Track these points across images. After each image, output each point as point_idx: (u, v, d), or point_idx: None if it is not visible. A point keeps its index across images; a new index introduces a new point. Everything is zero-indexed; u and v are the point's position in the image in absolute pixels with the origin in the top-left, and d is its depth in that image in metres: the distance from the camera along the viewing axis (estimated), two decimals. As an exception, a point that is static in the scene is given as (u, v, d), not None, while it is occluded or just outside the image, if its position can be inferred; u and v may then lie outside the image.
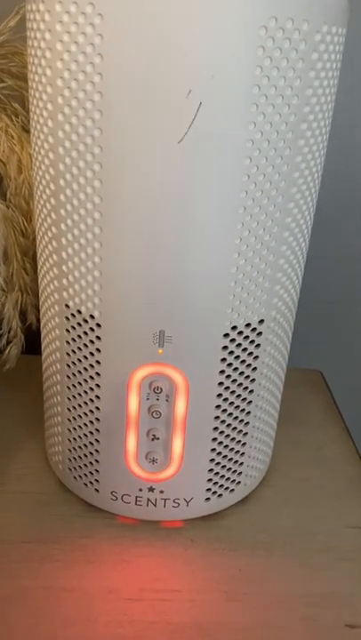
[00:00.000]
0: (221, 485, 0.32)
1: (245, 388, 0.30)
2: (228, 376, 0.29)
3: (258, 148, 0.24)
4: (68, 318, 0.29)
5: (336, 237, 0.51)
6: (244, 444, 0.32)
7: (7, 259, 0.36)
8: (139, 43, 0.22)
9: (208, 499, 0.32)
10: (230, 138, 0.23)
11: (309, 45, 0.23)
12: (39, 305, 0.32)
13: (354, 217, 0.50)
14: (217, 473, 0.32)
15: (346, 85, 0.44)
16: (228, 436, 0.31)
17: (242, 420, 0.31)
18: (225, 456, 0.31)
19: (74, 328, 0.29)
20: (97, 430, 0.30)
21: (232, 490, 0.33)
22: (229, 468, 0.32)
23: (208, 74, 0.22)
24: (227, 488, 0.33)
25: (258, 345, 0.29)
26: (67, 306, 0.29)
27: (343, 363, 0.55)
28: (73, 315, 0.28)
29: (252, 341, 0.29)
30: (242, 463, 0.33)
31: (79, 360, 0.29)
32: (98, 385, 0.29)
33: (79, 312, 0.28)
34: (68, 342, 0.29)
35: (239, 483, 0.33)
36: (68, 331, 0.29)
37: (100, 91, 0.23)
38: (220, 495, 0.33)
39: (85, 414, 0.30)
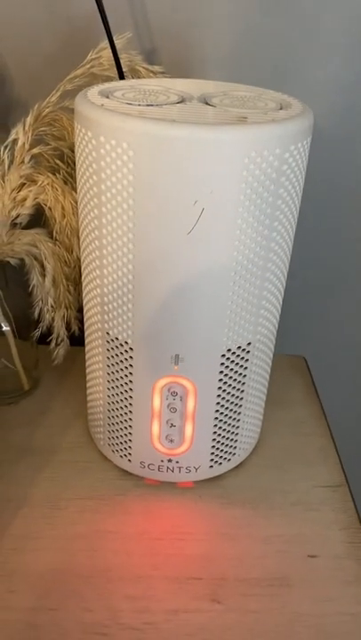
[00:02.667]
0: (221, 457, 0.44)
1: (238, 389, 0.41)
2: (225, 382, 0.40)
3: (244, 233, 0.34)
4: (108, 342, 0.40)
5: (320, 232, 0.60)
6: (237, 427, 0.43)
7: (55, 284, 0.47)
8: (161, 169, 0.31)
9: (211, 466, 0.44)
10: (224, 227, 0.33)
11: (281, 161, 0.32)
12: (84, 326, 0.43)
13: (339, 207, 0.59)
14: (217, 448, 0.43)
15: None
16: (225, 422, 0.42)
17: (236, 411, 0.42)
18: (223, 436, 0.43)
19: (113, 349, 0.39)
20: (130, 419, 0.41)
21: (229, 459, 0.45)
22: (226, 444, 0.43)
23: (208, 190, 0.32)
24: (225, 458, 0.44)
25: (247, 360, 0.40)
26: (107, 333, 0.39)
27: (325, 349, 0.66)
28: (112, 340, 0.39)
29: (243, 357, 0.39)
30: (236, 440, 0.44)
31: (116, 371, 0.40)
32: (131, 389, 0.40)
33: (117, 339, 0.39)
34: (108, 358, 0.40)
35: (234, 454, 0.45)
36: (108, 350, 0.40)
37: (133, 198, 0.33)
38: (220, 463, 0.44)
39: (121, 408, 0.42)
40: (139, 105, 0.34)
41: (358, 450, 0.72)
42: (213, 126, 0.31)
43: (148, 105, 0.34)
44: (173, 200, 0.32)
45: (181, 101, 0.36)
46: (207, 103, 0.36)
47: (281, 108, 0.35)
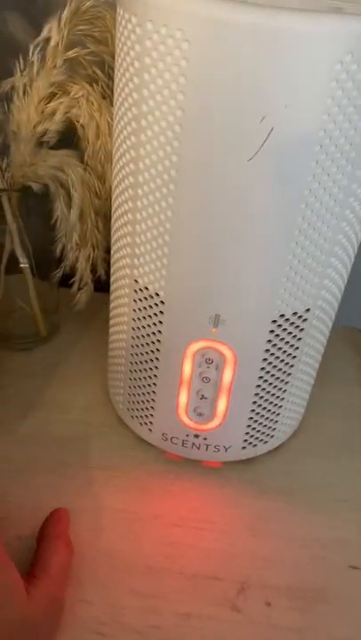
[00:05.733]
0: (257, 438, 0.37)
1: (286, 363, 0.34)
2: (272, 354, 0.33)
3: (321, 166, 0.26)
4: (136, 291, 0.33)
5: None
6: (280, 406, 0.36)
7: (82, 218, 0.40)
8: (220, 69, 0.24)
9: (244, 447, 0.37)
10: (296, 156, 0.25)
11: (382, 73, 0.24)
12: (110, 270, 0.36)
13: None
14: (254, 428, 0.36)
15: None
16: (266, 400, 0.35)
17: (280, 388, 0.35)
18: (262, 415, 0.36)
19: (140, 300, 0.33)
20: (154, 384, 0.35)
21: (266, 441, 0.38)
22: (265, 425, 0.37)
23: (282, 103, 0.24)
24: (261, 440, 0.38)
25: (302, 329, 0.33)
26: (136, 281, 0.32)
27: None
28: (141, 290, 0.32)
29: (298, 326, 0.32)
30: (277, 421, 0.37)
31: (143, 327, 0.34)
32: (158, 349, 0.33)
33: (147, 289, 0.32)
34: (134, 310, 0.34)
35: (273, 436, 0.38)
36: (135, 301, 0.33)
37: (183, 108, 0.25)
38: (254, 445, 0.38)
39: (145, 370, 0.35)
40: (201, -14, 0.26)
41: None
42: (297, 13, 0.22)
43: (213, -13, 0.26)
44: (235, 113, 0.24)
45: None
46: (291, -8, 0.27)
47: (388, 5, 0.27)
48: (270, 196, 0.26)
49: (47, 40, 0.37)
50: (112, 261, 0.35)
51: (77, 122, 0.38)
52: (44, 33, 0.36)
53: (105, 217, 0.41)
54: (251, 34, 0.23)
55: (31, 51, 0.37)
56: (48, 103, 0.37)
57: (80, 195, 0.39)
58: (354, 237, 0.31)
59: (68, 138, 0.39)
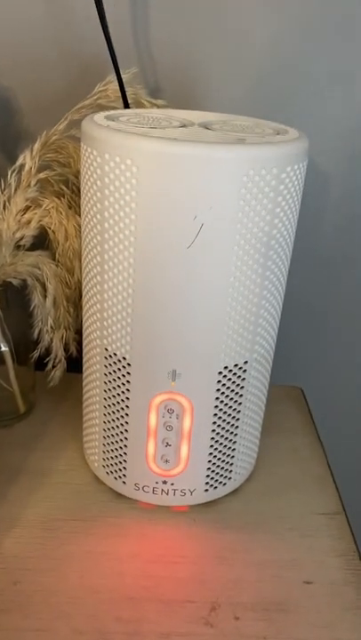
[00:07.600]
0: (217, 480, 0.43)
1: (234, 409, 0.41)
2: (222, 401, 0.40)
3: (241, 249, 0.35)
4: (106, 358, 0.40)
5: (317, 265, 0.62)
6: (234, 449, 0.43)
7: (55, 304, 0.47)
8: (162, 185, 0.33)
9: (207, 490, 0.43)
10: (222, 243, 0.34)
11: (278, 181, 0.34)
12: (83, 344, 0.43)
13: (336, 240, 0.61)
14: (213, 471, 0.43)
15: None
16: (221, 443, 0.42)
17: (232, 432, 0.42)
18: (219, 458, 0.42)
19: (110, 365, 0.40)
20: (125, 438, 0.41)
21: (225, 483, 0.44)
22: (223, 467, 0.43)
23: (207, 206, 0.33)
24: (221, 482, 0.44)
25: (243, 379, 0.40)
26: (106, 349, 0.40)
27: (322, 379, 0.66)
28: (110, 356, 0.39)
29: (240, 376, 0.40)
30: (232, 464, 0.43)
31: (114, 388, 0.40)
32: (127, 406, 0.40)
33: (115, 354, 0.39)
34: (105, 374, 0.41)
35: (230, 478, 0.44)
36: (105, 366, 0.40)
37: (135, 213, 0.34)
38: (215, 487, 0.44)
39: (117, 427, 0.41)
40: (142, 127, 0.36)
41: (357, 479, 0.72)
42: (213, 145, 0.32)
43: (151, 127, 0.36)
44: (174, 215, 0.33)
45: (183, 126, 0.37)
46: (207, 128, 0.37)
47: (278, 134, 0.37)
48: (206, 274, 0.35)
49: (22, 166, 0.46)
50: (84, 335, 0.42)
51: (49, 228, 0.46)
52: (20, 160, 0.46)
53: (74, 303, 0.49)
54: (181, 159, 0.32)
55: (9, 175, 0.46)
56: (24, 214, 0.46)
57: (54, 286, 0.46)
58: (276, 304, 0.40)
59: (41, 241, 0.48)
